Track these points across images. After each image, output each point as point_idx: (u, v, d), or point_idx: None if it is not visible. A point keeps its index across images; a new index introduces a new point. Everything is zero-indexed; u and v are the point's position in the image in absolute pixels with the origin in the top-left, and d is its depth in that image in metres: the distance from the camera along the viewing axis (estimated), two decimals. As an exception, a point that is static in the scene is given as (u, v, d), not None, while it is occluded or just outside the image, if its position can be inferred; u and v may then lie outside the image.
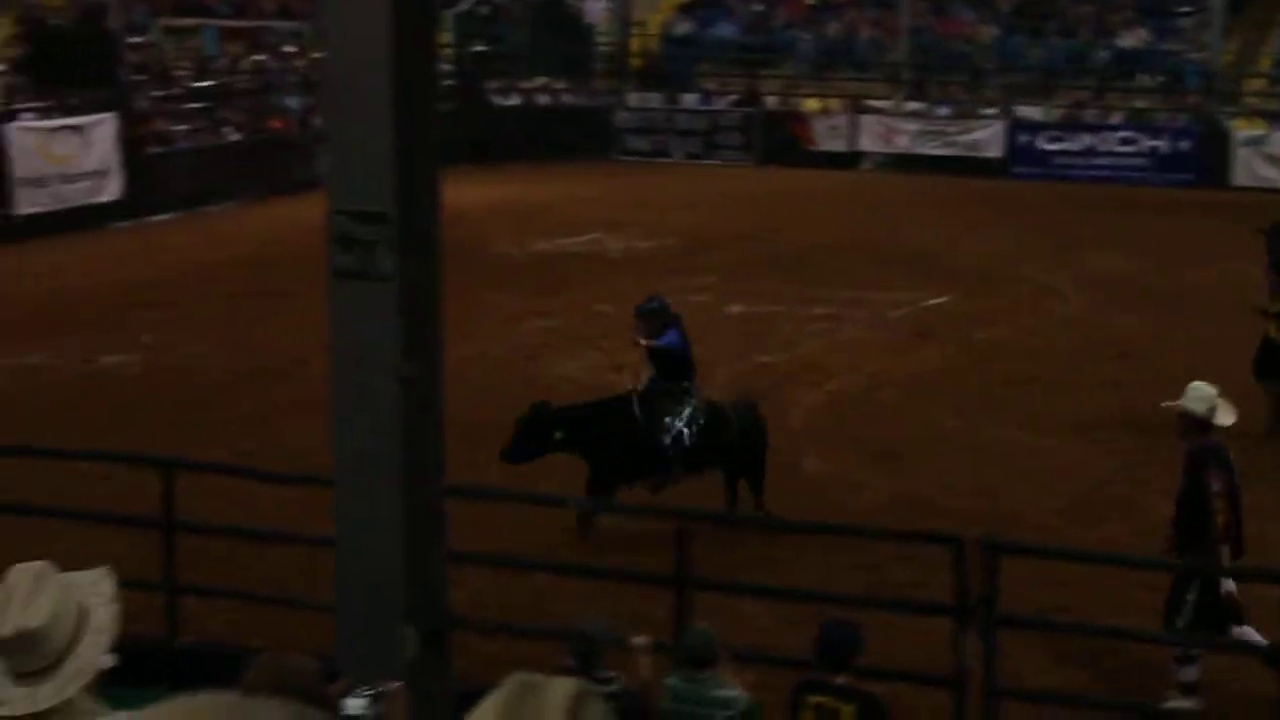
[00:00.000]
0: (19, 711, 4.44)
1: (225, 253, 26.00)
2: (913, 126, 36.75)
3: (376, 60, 7.76)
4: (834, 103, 37.81)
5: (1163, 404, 11.15)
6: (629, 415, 13.83)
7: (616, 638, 8.80)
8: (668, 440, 13.82)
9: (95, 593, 4.71)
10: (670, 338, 14.18)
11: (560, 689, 2.73)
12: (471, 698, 4.27)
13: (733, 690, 8.40)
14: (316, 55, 36.54)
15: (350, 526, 7.90)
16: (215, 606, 11.83)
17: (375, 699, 6.19)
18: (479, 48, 39.55)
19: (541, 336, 20.62)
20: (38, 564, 4.66)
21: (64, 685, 4.51)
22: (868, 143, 36.83)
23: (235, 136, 32.63)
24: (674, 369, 14.23)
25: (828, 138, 37.02)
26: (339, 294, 7.88)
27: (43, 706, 4.45)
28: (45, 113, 28.60)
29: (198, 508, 12.20)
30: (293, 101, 34.96)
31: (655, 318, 14.35)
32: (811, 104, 37.98)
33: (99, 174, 28.15)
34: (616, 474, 13.78)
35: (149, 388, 18.14)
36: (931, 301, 22.56)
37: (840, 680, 8.30)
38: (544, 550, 12.50)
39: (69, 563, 4.78)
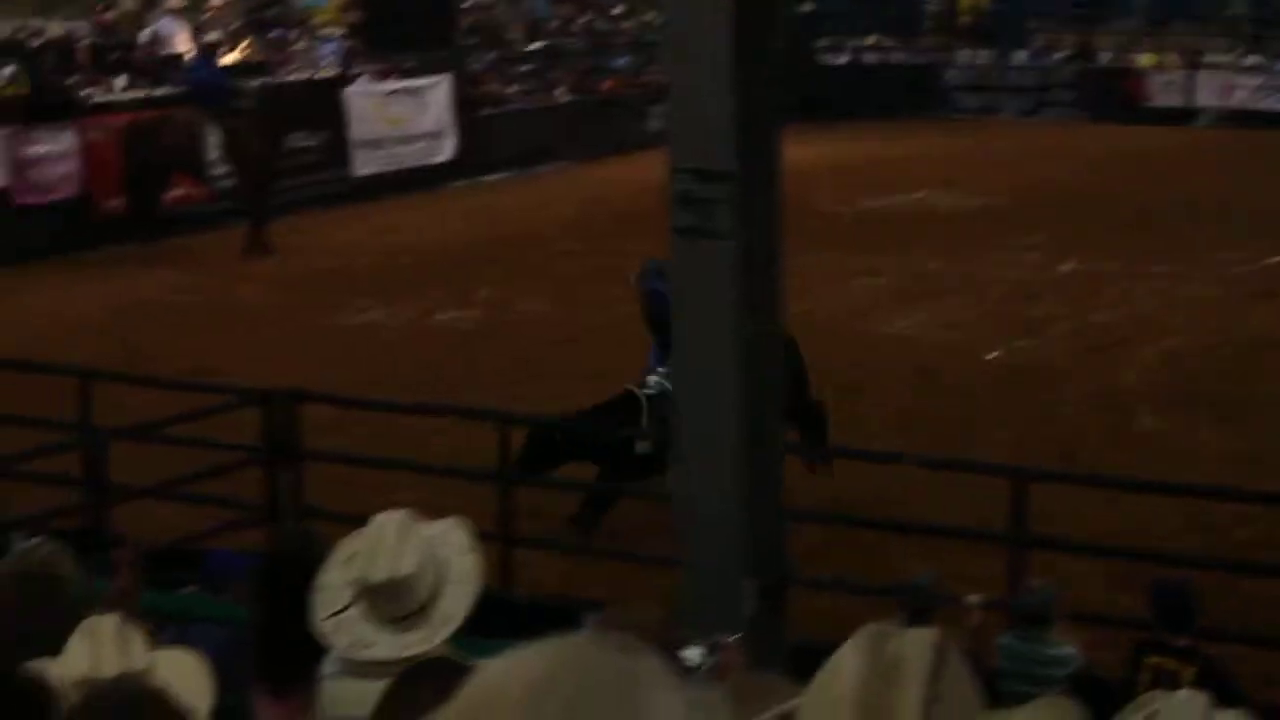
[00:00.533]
0: (383, 656, 4.57)
1: (557, 212, 26.33)
2: (1252, 81, 35.81)
3: (718, 17, 7.80)
4: (1170, 58, 37.00)
5: None
6: (635, 421, 12.68)
7: (949, 594, 8.77)
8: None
9: (446, 542, 4.82)
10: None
11: (920, 637, 2.69)
12: (804, 652, 4.29)
13: (1069, 648, 8.32)
14: (646, 16, 36.82)
15: (691, 481, 7.98)
16: (549, 559, 12.01)
17: (712, 650, 6.25)
18: (807, 6, 39.43)
19: (870, 295, 20.54)
20: (400, 512, 4.79)
21: (432, 633, 4.63)
22: (1204, 98, 35.99)
23: (566, 97, 32.99)
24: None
25: (1162, 93, 36.24)
26: (680, 252, 7.96)
27: (409, 653, 4.56)
28: (381, 76, 29.21)
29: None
30: (623, 62, 35.24)
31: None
32: (1146, 59, 37.20)
33: (434, 135, 28.69)
34: (627, 478, 12.56)
35: (484, 343, 18.44)
36: (1273, 260, 21.99)
37: (1182, 642, 8.17)
38: (873, 505, 12.45)
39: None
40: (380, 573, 4.61)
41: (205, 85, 24.68)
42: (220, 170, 23.90)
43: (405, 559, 4.64)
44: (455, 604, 4.68)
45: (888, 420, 15.41)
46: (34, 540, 5.55)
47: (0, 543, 8.76)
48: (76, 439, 11.76)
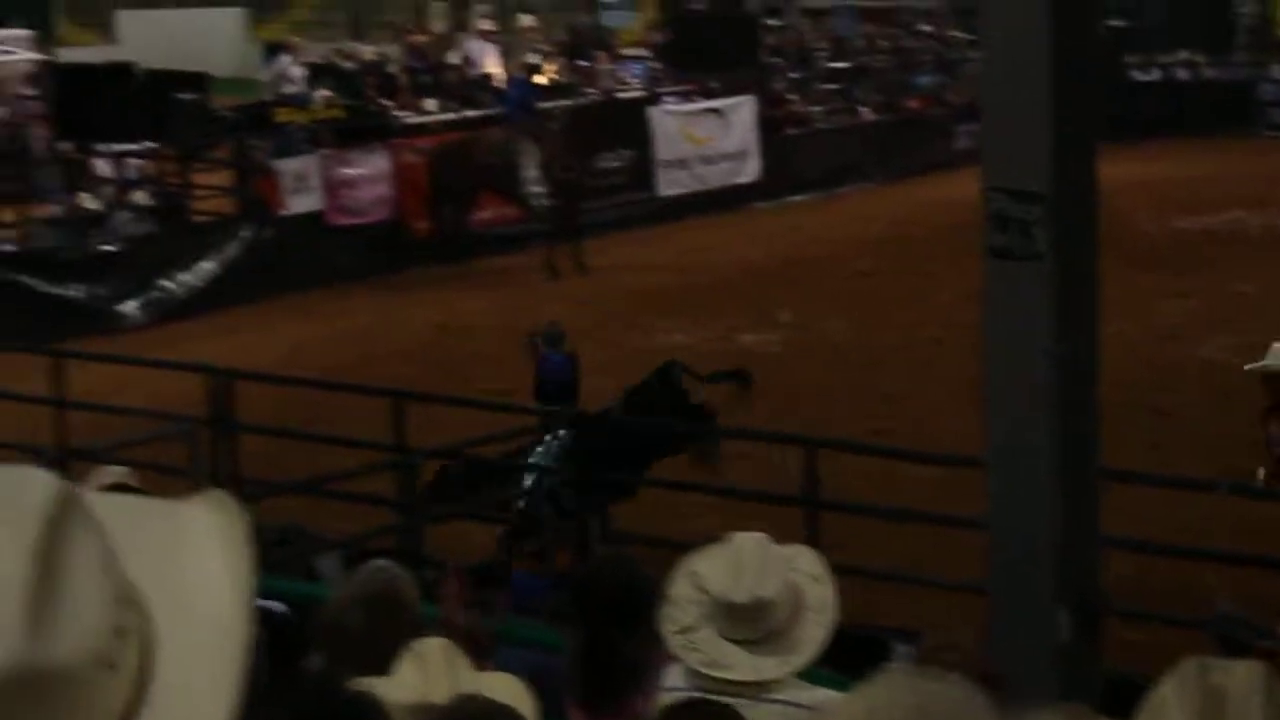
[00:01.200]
0: (742, 677, 4.56)
1: (860, 232, 26.22)
2: None
3: (1036, 35, 7.70)
4: None
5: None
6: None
7: (1265, 626, 8.53)
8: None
9: (796, 568, 4.81)
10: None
11: (1244, 671, 2.60)
12: (1119, 686, 4.20)
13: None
14: (953, 33, 36.58)
15: (1003, 506, 7.87)
16: (851, 586, 11.92)
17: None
18: (1117, 22, 38.81)
19: (1179, 316, 20.16)
20: (758, 535, 4.79)
21: (789, 659, 4.62)
22: None
23: (871, 117, 32.86)
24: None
25: None
26: (992, 272, 7.86)
27: (765, 677, 4.56)
28: (686, 96, 29.37)
29: (838, 485, 12.36)
30: (929, 80, 35.02)
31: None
32: None
33: (738, 156, 28.75)
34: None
35: (788, 365, 18.43)
36: None
37: None
38: (1189, 535, 12.18)
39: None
40: (743, 594, 4.62)
41: (518, 105, 25.05)
42: (534, 190, 24.21)
43: (769, 582, 4.64)
44: (813, 632, 4.68)
45: (1196, 446, 15.09)
46: (378, 562, 5.67)
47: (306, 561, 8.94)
48: (391, 460, 11.96)
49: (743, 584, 4.62)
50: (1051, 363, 7.75)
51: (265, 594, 5.67)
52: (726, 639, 4.63)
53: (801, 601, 4.70)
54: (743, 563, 4.67)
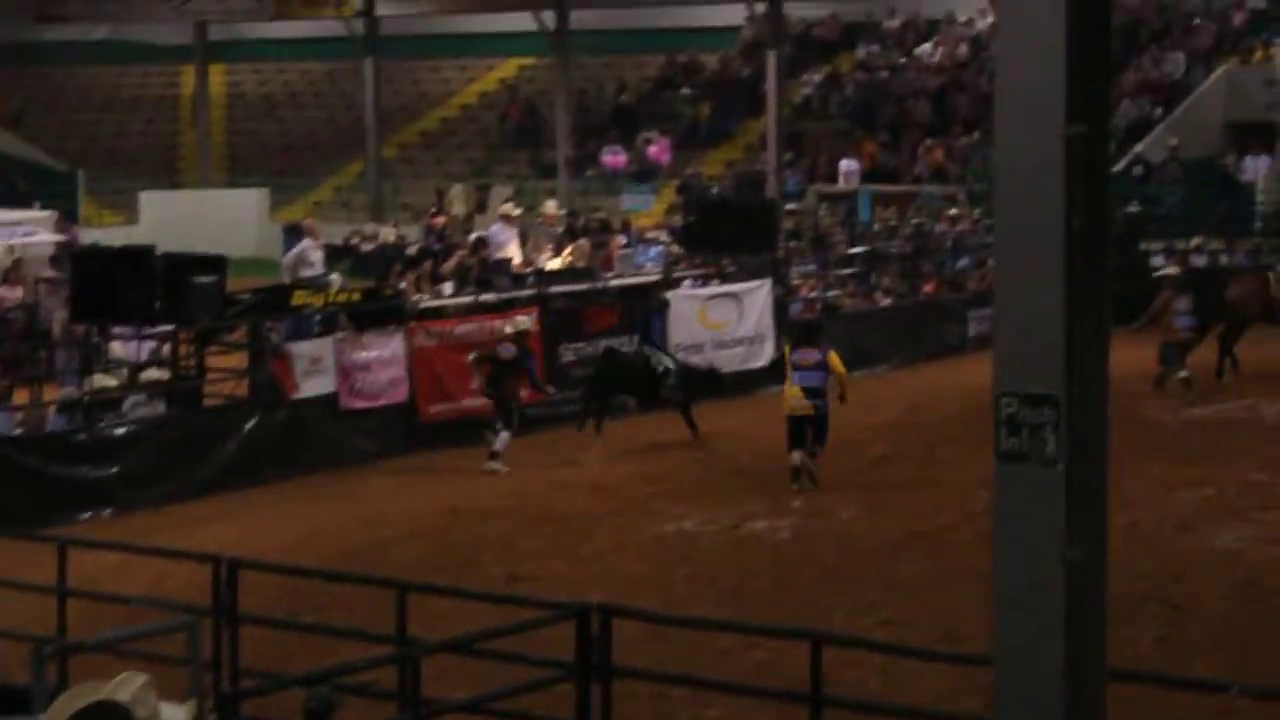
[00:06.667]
0: None
1: (875, 417, 26.16)
2: None
3: (1051, 229, 7.71)
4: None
5: None
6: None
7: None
8: None
9: None
10: None
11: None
12: None
13: None
14: (967, 217, 36.79)
15: (1010, 709, 7.79)
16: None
17: None
18: (1134, 207, 39.03)
19: (1194, 505, 20.06)
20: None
21: None
22: None
23: (887, 301, 32.97)
24: None
25: None
26: (1004, 477, 7.83)
27: None
28: (703, 279, 29.48)
29: (845, 678, 12.25)
30: (946, 265, 35.16)
31: None
32: None
33: (753, 340, 28.78)
34: None
35: (797, 553, 18.35)
36: None
37: None
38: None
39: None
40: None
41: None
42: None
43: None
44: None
45: (1213, 640, 14.96)
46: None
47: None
48: (393, 653, 11.88)
49: None
50: (1063, 568, 7.71)
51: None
52: None
53: None
54: None
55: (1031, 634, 7.75)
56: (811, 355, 21.94)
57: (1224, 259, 37.81)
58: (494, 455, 22.99)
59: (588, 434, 24.15)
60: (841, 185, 43.77)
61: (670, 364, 25.40)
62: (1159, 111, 43.88)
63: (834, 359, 21.97)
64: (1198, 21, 46.06)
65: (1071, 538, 7.74)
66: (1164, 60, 45.49)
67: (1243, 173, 41.36)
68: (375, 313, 24.33)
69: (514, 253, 28.32)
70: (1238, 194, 40.74)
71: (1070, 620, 7.73)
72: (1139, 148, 42.15)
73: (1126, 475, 20.66)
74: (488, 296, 26.43)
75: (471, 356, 23.74)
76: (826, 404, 21.82)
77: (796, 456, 21.40)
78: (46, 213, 34.56)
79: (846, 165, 44.34)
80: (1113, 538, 15.69)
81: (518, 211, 30.18)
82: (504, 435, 23.08)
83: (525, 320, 24.62)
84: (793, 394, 21.82)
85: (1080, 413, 7.81)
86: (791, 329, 26.98)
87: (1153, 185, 40.92)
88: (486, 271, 27.64)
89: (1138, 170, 41.27)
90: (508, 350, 23.38)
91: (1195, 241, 38.44)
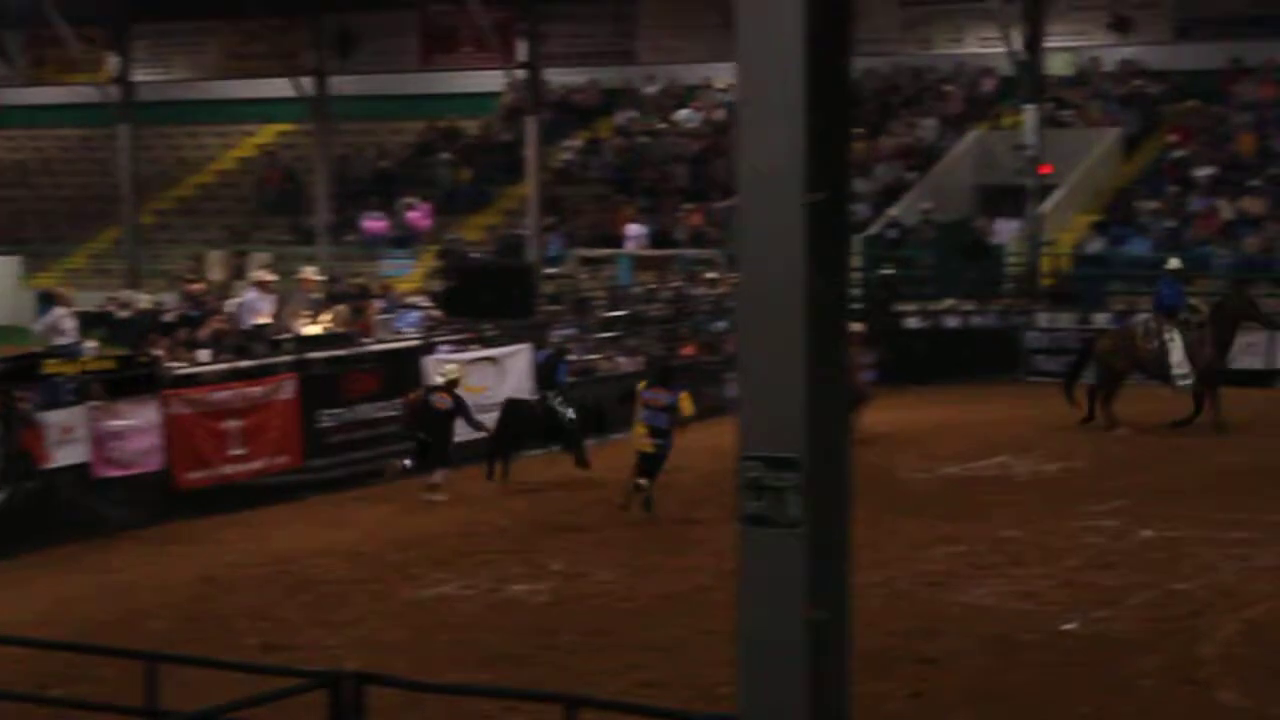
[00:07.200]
0: None
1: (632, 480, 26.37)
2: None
3: (788, 309, 7.84)
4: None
5: None
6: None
7: None
8: None
9: None
10: None
11: None
12: None
13: None
14: (724, 281, 37.15)
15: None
16: None
17: None
18: (888, 269, 39.73)
19: (948, 563, 20.38)
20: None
21: None
22: (1286, 359, 35.73)
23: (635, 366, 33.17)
24: None
25: (1244, 355, 36.02)
26: (748, 539, 7.94)
27: None
28: (461, 345, 29.47)
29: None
30: (703, 327, 35.48)
31: None
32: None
33: (513, 404, 28.79)
34: None
35: (556, 616, 18.38)
36: (1356, 525, 21.76)
37: None
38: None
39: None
40: None
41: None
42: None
43: None
44: None
45: (966, 695, 15.23)
46: None
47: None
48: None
49: None
50: (805, 629, 7.82)
51: None
52: None
53: None
54: None
55: (776, 694, 7.85)
56: (662, 397, 23.41)
57: (974, 320, 38.60)
58: (433, 487, 24.95)
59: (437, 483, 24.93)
60: (629, 249, 43.97)
61: (572, 411, 26.96)
62: (913, 175, 44.73)
63: (684, 401, 23.41)
64: (949, 88, 47.05)
65: (814, 599, 7.87)
66: (917, 125, 46.41)
67: (993, 235, 42.25)
68: (129, 380, 24.00)
69: (270, 319, 28.13)
70: (988, 256, 41.59)
71: (814, 679, 7.85)
72: (894, 211, 42.91)
73: (882, 533, 21.04)
74: (244, 363, 26.20)
75: (409, 396, 25.81)
76: (669, 445, 23.29)
77: (643, 482, 23.06)
78: None
79: (634, 230, 44.59)
80: (868, 595, 16.00)
81: (273, 277, 30.03)
82: (442, 471, 25.13)
83: (454, 368, 26.20)
84: (639, 432, 23.38)
85: (822, 475, 7.94)
86: (649, 369, 28.83)
87: (907, 248, 41.67)
88: (243, 338, 27.42)
89: (892, 233, 42.01)
90: (444, 401, 25.29)
91: (948, 303, 39.22)
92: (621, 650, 16.77)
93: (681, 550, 21.20)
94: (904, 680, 15.53)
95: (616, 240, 44.68)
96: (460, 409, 25.43)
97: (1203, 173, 42.25)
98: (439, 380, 25.74)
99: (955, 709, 14.80)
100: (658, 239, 44.41)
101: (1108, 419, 30.12)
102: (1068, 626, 17.33)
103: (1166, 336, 30.14)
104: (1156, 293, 31.69)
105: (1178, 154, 43.18)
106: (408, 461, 25.34)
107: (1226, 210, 41.13)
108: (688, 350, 34.48)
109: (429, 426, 25.15)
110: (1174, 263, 31.96)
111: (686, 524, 22.76)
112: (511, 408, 27.19)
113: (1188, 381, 29.98)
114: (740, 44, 8.13)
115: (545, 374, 28.21)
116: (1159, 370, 30.36)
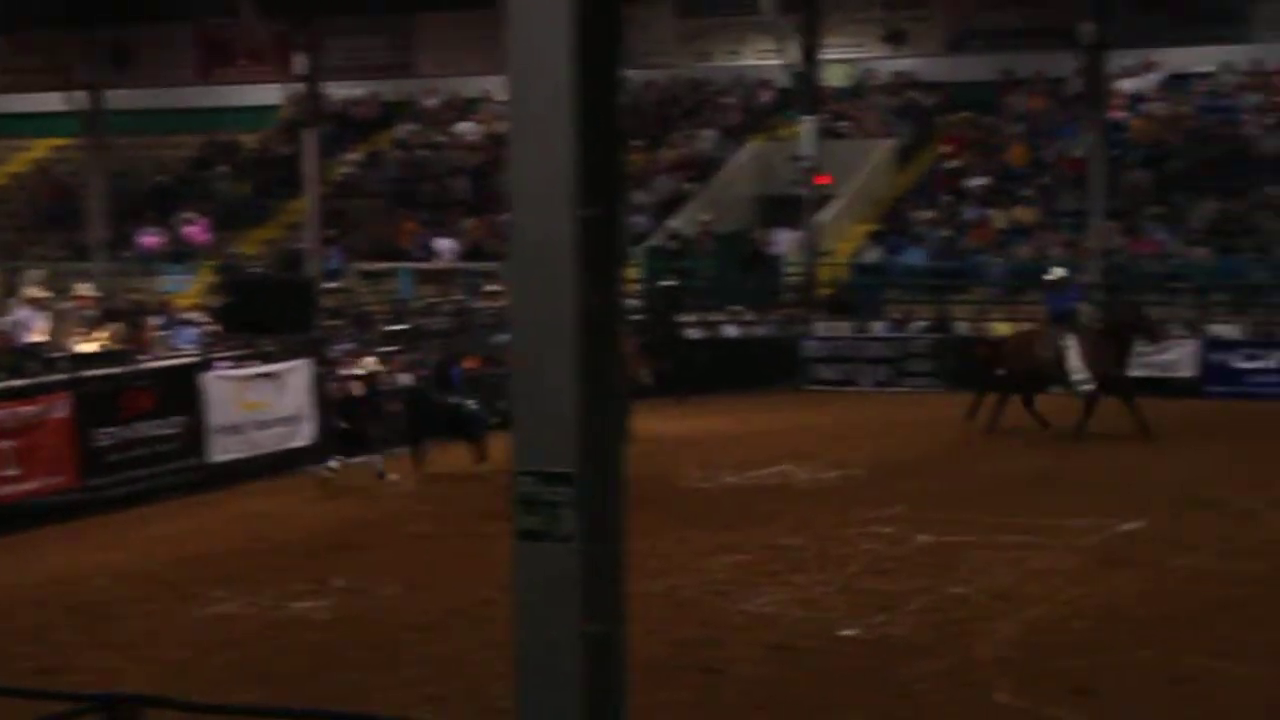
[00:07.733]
0: None
1: (419, 494, 26.28)
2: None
3: (561, 324, 7.86)
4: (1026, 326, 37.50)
5: None
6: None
7: None
8: None
9: None
10: None
11: None
12: None
13: None
14: (506, 294, 37.11)
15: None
16: None
17: None
18: (668, 281, 39.94)
19: (730, 571, 20.53)
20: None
21: None
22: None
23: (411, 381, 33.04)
24: None
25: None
26: (522, 555, 7.95)
27: None
28: (240, 361, 29.16)
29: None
30: (486, 340, 35.41)
31: None
32: (1002, 328, 37.71)
33: (293, 419, 28.60)
34: None
35: (339, 632, 18.26)
36: (1125, 528, 22.25)
37: None
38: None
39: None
40: None
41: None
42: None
43: None
44: None
45: (750, 701, 15.35)
46: None
47: None
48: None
49: None
50: (583, 642, 7.84)
51: None
52: None
53: None
54: None
55: (554, 707, 7.87)
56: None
57: (754, 329, 38.94)
58: (382, 475, 26.87)
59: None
60: (442, 262, 43.79)
61: (474, 405, 28.44)
62: (693, 187, 45.03)
63: None
64: (728, 100, 47.43)
65: (590, 612, 7.89)
66: (696, 137, 46.74)
67: (772, 245, 42.66)
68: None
69: (41, 335, 27.65)
70: (767, 266, 41.99)
71: (592, 692, 7.87)
72: (674, 222, 43.18)
73: (665, 542, 21.17)
74: (16, 382, 25.72)
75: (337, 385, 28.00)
76: None
77: None
78: None
79: (445, 244, 44.43)
80: (650, 604, 16.10)
81: (47, 294, 29.53)
82: (377, 457, 27.08)
83: (371, 362, 28.84)
84: None
85: (597, 490, 7.97)
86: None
87: (688, 259, 41.94)
88: (16, 356, 26.91)
89: (673, 244, 42.28)
90: (359, 389, 27.53)
91: (728, 312, 39.53)
92: (403, 666, 16.70)
93: (465, 566, 21.14)
94: (688, 689, 15.62)
95: (398, 254, 44.52)
96: (374, 397, 27.49)
97: (976, 183, 43.03)
98: (359, 372, 27.82)
99: (739, 717, 14.91)
100: (469, 253, 44.31)
101: (991, 421, 30.65)
102: (847, 632, 17.54)
103: (1062, 344, 30.49)
104: (1046, 304, 32.13)
105: (951, 164, 43.95)
106: (333, 463, 26.77)
107: (999, 219, 41.91)
108: (471, 363, 34.39)
109: (347, 413, 27.08)
110: (1058, 272, 32.30)
111: (471, 538, 22.71)
112: (414, 397, 28.84)
113: (1089, 386, 30.33)
114: (511, 56, 8.14)
115: (441, 378, 29.21)
116: (1058, 376, 30.73)
